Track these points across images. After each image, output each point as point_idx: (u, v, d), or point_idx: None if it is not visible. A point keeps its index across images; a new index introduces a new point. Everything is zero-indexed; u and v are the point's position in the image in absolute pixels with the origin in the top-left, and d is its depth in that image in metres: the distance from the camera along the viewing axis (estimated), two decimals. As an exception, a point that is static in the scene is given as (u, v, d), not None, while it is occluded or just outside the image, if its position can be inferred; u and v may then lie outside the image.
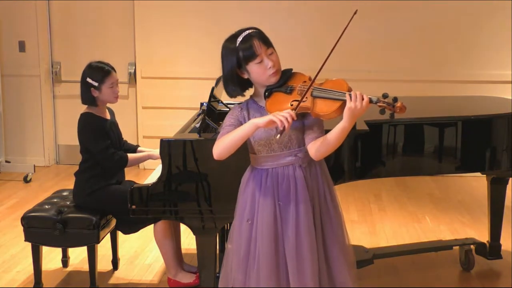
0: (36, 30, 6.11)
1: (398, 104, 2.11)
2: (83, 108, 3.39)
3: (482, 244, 3.76)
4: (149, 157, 3.48)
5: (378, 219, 4.68)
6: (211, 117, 3.13)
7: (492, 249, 3.74)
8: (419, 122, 3.15)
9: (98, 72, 3.31)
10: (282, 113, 2.09)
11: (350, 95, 2.11)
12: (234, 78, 2.30)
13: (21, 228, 3.32)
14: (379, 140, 3.05)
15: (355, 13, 2.17)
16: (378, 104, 2.13)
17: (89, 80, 3.29)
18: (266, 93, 2.29)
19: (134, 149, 3.58)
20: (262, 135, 2.27)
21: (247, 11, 5.88)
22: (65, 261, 3.76)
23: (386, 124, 3.07)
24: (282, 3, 5.84)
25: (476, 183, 5.47)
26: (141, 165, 5.89)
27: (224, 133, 2.27)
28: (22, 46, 6.15)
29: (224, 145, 2.23)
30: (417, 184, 5.58)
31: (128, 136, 3.66)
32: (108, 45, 6.10)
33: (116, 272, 3.73)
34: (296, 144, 2.27)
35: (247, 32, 2.28)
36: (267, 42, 2.27)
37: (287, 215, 2.27)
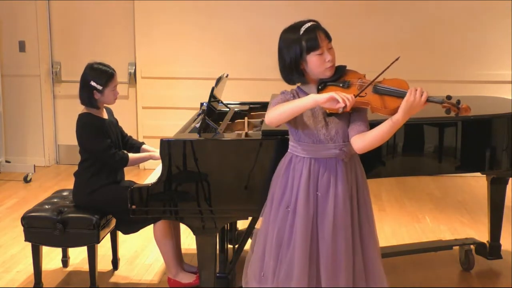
0: (36, 30, 6.11)
1: (464, 105, 2.18)
2: (83, 108, 3.39)
3: (482, 244, 3.76)
4: (151, 157, 3.48)
5: (378, 219, 4.64)
6: (211, 117, 3.13)
7: (492, 249, 3.74)
8: (419, 122, 3.15)
9: (103, 75, 3.30)
10: (344, 94, 2.12)
11: (411, 89, 2.16)
12: (297, 67, 2.30)
13: (21, 228, 3.32)
14: (379, 140, 3.05)
15: (397, 59, 2.28)
16: (443, 104, 2.19)
17: (93, 83, 3.28)
18: (320, 86, 2.32)
19: (138, 146, 3.58)
20: (310, 126, 2.29)
21: (247, 11, 5.88)
22: (65, 261, 3.76)
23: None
24: (282, 3, 5.83)
25: (476, 183, 5.47)
26: (141, 165, 5.89)
27: (277, 102, 2.28)
28: (22, 46, 6.15)
29: (278, 112, 2.22)
30: (417, 184, 5.58)
31: (127, 132, 3.65)
32: (108, 45, 6.11)
33: (116, 272, 3.73)
34: (341, 138, 2.30)
35: (311, 23, 2.30)
36: (328, 36, 2.31)
37: (325, 208, 2.28)
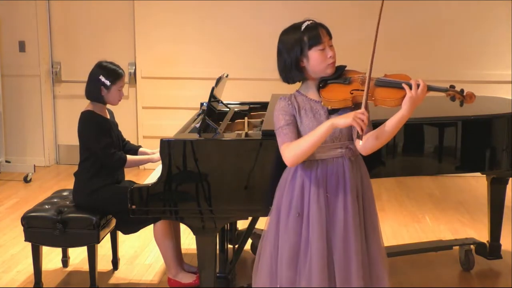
0: (36, 30, 6.11)
1: (468, 92, 2.21)
2: (83, 108, 3.40)
3: (482, 244, 3.76)
4: (149, 160, 3.50)
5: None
6: (211, 117, 3.13)
7: (492, 249, 3.74)
8: (419, 122, 3.15)
9: (113, 73, 3.35)
10: (359, 115, 2.10)
11: (409, 84, 2.16)
12: (298, 64, 2.29)
13: (21, 228, 3.32)
14: (379, 140, 3.05)
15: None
16: (448, 92, 2.20)
17: (102, 78, 3.32)
18: (321, 85, 2.31)
19: (136, 149, 3.59)
20: (313, 126, 2.26)
21: (247, 12, 5.88)
22: (65, 261, 3.76)
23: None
24: (282, 3, 5.83)
25: (476, 183, 5.48)
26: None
27: (287, 135, 2.25)
28: (22, 46, 6.15)
29: (300, 151, 2.21)
30: (417, 184, 5.58)
31: (128, 136, 3.67)
32: (108, 45, 6.11)
33: (116, 272, 3.73)
34: (346, 136, 2.28)
35: (312, 21, 2.31)
36: (330, 34, 2.31)
37: (336, 208, 2.26)
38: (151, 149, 3.58)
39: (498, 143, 3.24)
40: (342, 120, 2.14)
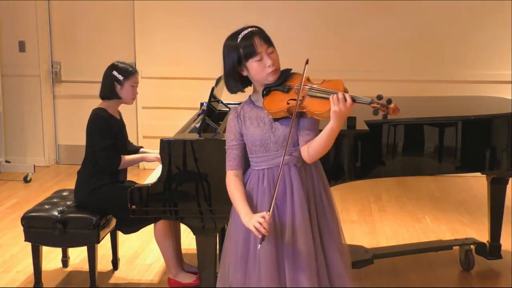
0: (36, 30, 6.11)
1: (392, 105, 2.13)
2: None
3: (482, 244, 3.76)
4: (143, 159, 3.51)
5: (378, 219, 4.68)
6: (211, 117, 3.13)
7: (492, 249, 3.74)
8: (419, 122, 3.15)
9: (125, 69, 3.41)
10: (258, 220, 2.14)
11: (333, 97, 2.12)
12: (235, 75, 2.32)
13: (21, 228, 3.32)
14: (379, 140, 3.05)
15: (306, 62, 2.24)
16: (372, 105, 2.15)
17: (115, 73, 3.37)
18: (264, 92, 2.30)
19: (137, 149, 3.60)
20: (257, 136, 2.29)
21: (247, 11, 5.88)
22: (65, 261, 3.76)
23: (386, 124, 3.07)
24: (282, 3, 5.84)
25: (476, 183, 5.48)
26: (141, 165, 5.89)
27: (229, 161, 2.34)
28: (22, 46, 6.15)
29: (231, 197, 2.33)
30: (417, 184, 5.58)
31: (128, 136, 3.66)
32: (108, 45, 6.10)
33: (116, 272, 3.74)
34: (291, 143, 2.27)
35: (249, 30, 2.29)
36: (268, 41, 2.28)
37: (284, 215, 2.28)
38: (152, 150, 3.58)
39: (498, 143, 3.25)
40: (245, 222, 2.22)
